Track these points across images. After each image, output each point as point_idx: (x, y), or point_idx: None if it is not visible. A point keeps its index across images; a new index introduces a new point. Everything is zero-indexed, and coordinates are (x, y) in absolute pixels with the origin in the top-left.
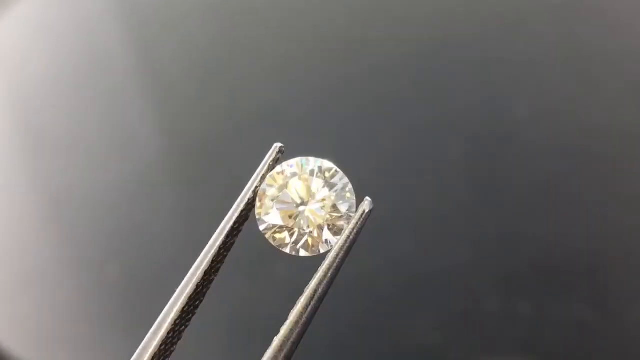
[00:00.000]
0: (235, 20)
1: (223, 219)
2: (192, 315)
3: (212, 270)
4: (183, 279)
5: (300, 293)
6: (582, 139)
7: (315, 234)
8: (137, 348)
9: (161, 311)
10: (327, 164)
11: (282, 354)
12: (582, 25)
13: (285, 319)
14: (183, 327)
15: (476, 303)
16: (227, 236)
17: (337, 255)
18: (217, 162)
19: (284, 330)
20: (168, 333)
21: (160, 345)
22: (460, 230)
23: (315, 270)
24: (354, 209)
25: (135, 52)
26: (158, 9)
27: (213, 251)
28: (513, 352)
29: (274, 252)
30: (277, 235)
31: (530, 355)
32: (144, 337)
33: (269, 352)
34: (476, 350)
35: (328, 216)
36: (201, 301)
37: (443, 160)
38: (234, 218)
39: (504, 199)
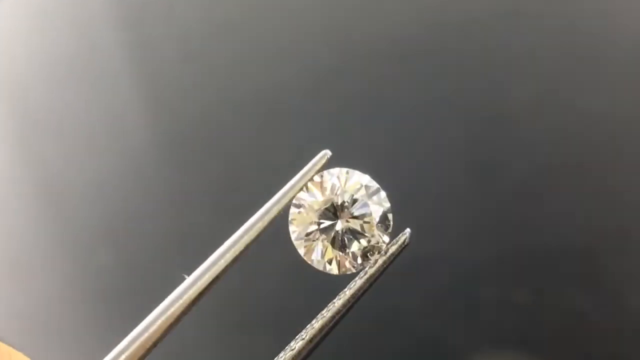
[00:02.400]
0: (229, 3)
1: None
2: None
3: (229, 265)
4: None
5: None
6: (583, 125)
7: (346, 254)
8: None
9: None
10: (371, 182)
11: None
12: (584, 9)
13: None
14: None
15: (473, 290)
16: (254, 236)
17: (367, 282)
18: (210, 147)
19: (298, 346)
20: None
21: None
22: (456, 215)
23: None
24: (388, 235)
25: (128, 37)
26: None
27: (237, 247)
28: (511, 340)
29: (301, 262)
30: (308, 246)
31: (528, 343)
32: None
33: None
34: (472, 338)
35: (365, 236)
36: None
37: (440, 145)
38: (265, 220)
39: (502, 184)
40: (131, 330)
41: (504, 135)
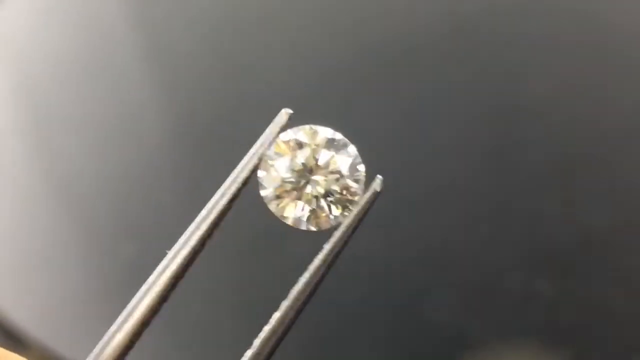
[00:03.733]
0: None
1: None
2: (181, 279)
3: (208, 235)
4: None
5: (300, 268)
6: (602, 115)
7: (321, 208)
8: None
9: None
10: (337, 135)
11: (280, 331)
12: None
13: (285, 296)
14: (169, 293)
15: (493, 282)
16: (227, 201)
17: (344, 233)
18: (228, 142)
19: (284, 307)
20: (156, 299)
21: (148, 311)
22: (476, 207)
23: (317, 245)
24: (363, 185)
25: (145, 33)
26: None
27: (212, 215)
28: (531, 332)
29: (276, 223)
30: (281, 205)
31: (549, 336)
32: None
33: (269, 329)
34: (493, 330)
35: (336, 189)
36: (190, 266)
37: (458, 136)
38: (237, 182)
39: (523, 176)
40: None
41: (523, 127)
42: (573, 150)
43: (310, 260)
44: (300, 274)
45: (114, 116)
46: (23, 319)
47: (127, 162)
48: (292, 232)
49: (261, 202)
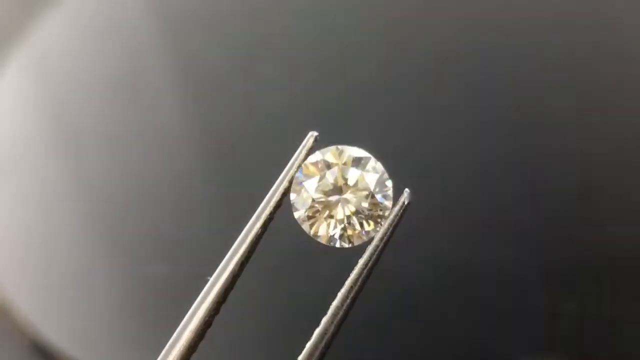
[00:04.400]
0: (270, 15)
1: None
2: (223, 304)
3: (245, 259)
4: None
5: (336, 284)
6: (624, 129)
7: (353, 225)
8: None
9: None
10: (363, 152)
11: (322, 345)
12: (631, 16)
13: (324, 311)
14: (213, 317)
15: (519, 299)
16: (262, 225)
17: (377, 247)
18: (256, 159)
19: (324, 322)
20: (201, 325)
21: (194, 336)
22: (502, 225)
23: (351, 262)
24: (391, 200)
25: (173, 49)
26: (196, 8)
27: (249, 239)
28: (556, 351)
29: (309, 242)
30: (314, 225)
31: (574, 355)
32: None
33: (310, 344)
34: (519, 348)
35: (365, 206)
36: (231, 290)
37: (483, 152)
38: (270, 206)
39: (549, 194)
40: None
41: (547, 144)
42: (597, 167)
43: (345, 277)
44: (336, 290)
45: (145, 135)
46: (54, 336)
47: (157, 182)
48: (326, 250)
49: (294, 223)
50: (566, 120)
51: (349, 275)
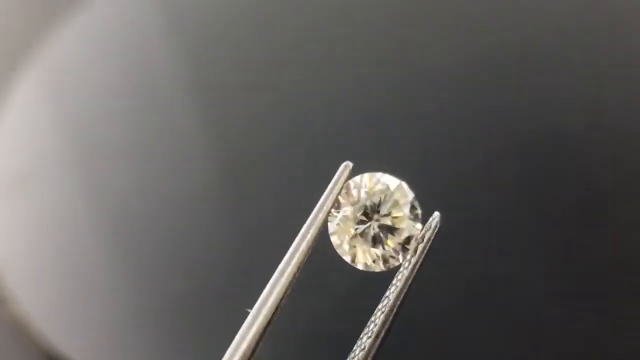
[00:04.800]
0: (292, 35)
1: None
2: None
3: (285, 295)
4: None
5: (366, 307)
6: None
7: (387, 250)
8: None
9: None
10: (393, 179)
11: None
12: None
13: (357, 334)
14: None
15: (536, 313)
16: (300, 261)
17: (412, 271)
18: (275, 176)
19: (367, 345)
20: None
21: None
22: (514, 238)
23: (385, 285)
24: (421, 223)
25: (192, 66)
26: (213, 23)
27: (290, 269)
28: None
29: (346, 268)
30: (350, 252)
31: None
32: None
33: None
34: None
35: (400, 230)
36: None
37: (495, 167)
38: (307, 240)
39: (562, 207)
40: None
41: (558, 159)
42: (610, 182)
43: (379, 301)
44: (369, 314)
45: (161, 151)
46: (70, 351)
47: (174, 196)
48: (359, 274)
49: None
50: (584, 135)
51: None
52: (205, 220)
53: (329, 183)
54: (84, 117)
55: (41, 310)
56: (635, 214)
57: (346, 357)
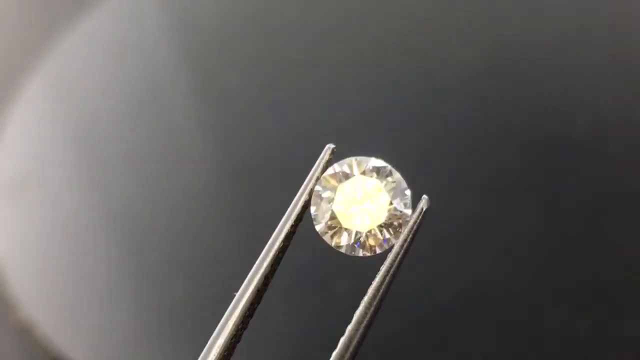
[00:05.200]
0: (288, 32)
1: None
2: (250, 319)
3: (270, 273)
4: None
5: (357, 293)
6: None
7: (373, 234)
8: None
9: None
10: (380, 162)
11: (348, 354)
12: None
13: (347, 320)
14: (242, 332)
15: (536, 320)
16: (284, 239)
17: (398, 254)
18: (275, 177)
19: (348, 331)
20: (230, 338)
21: (223, 351)
22: (515, 242)
23: (372, 270)
24: (411, 208)
25: (194, 69)
26: (215, 29)
27: (272, 254)
28: None
29: (331, 252)
30: (334, 236)
31: None
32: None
33: (336, 353)
34: None
35: (385, 215)
36: (258, 304)
37: (498, 168)
38: (291, 219)
39: (564, 211)
40: None
41: (561, 162)
42: (614, 187)
43: (364, 286)
44: (359, 299)
45: (165, 157)
46: (78, 356)
47: (177, 202)
48: (346, 259)
49: (315, 235)
50: (582, 134)
51: (369, 284)
52: (208, 221)
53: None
54: (87, 120)
55: (48, 315)
56: (635, 215)
57: None
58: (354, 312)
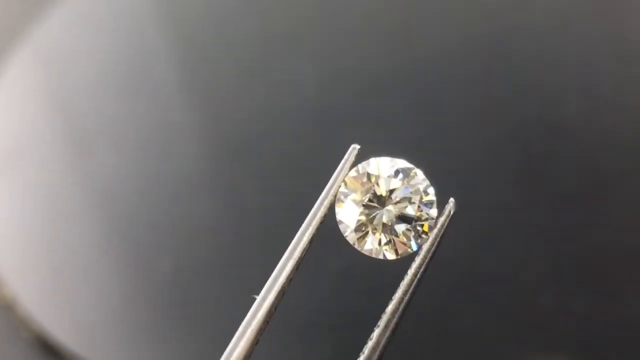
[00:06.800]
0: (285, 18)
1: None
2: (270, 320)
3: (293, 274)
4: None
5: (381, 295)
6: (637, 131)
7: (399, 236)
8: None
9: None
10: (405, 164)
11: (376, 356)
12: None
13: (370, 321)
14: (263, 332)
15: (527, 298)
16: (308, 241)
17: (425, 258)
18: (265, 158)
19: (376, 334)
20: (251, 344)
21: (243, 354)
22: (509, 225)
23: (398, 274)
24: (436, 209)
25: (182, 46)
26: (207, 6)
27: (296, 255)
28: (565, 349)
29: (357, 254)
30: (360, 238)
31: (583, 353)
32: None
33: (364, 355)
34: (527, 346)
35: (411, 216)
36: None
37: (490, 155)
38: (315, 221)
39: (554, 193)
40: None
41: (555, 143)
42: (606, 167)
43: (394, 288)
44: (385, 301)
45: (152, 132)
46: (61, 333)
47: (164, 178)
48: (373, 262)
49: (340, 237)
50: (581, 124)
51: (395, 287)
52: (198, 204)
53: (334, 169)
54: (74, 100)
55: (31, 292)
56: (626, 199)
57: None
58: (379, 315)
